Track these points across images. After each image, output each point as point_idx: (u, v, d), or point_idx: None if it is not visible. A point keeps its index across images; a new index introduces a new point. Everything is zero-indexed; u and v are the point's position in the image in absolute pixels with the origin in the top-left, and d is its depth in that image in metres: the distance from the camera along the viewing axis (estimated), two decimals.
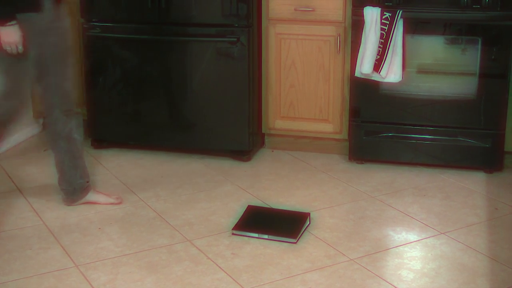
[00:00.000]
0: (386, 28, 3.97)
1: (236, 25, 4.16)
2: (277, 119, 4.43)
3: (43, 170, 4.25)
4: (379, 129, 4.22)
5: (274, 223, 3.53)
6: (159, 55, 4.30)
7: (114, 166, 4.32)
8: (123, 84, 4.41)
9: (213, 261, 3.17)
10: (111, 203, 3.75)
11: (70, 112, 3.61)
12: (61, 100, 3.58)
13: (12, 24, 3.28)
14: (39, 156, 4.51)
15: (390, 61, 4.01)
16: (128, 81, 4.39)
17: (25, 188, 3.99)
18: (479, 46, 4.02)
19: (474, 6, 3.94)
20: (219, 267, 3.12)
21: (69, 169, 3.66)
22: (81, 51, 4.50)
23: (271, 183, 4.07)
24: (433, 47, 4.17)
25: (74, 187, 3.70)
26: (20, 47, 3.34)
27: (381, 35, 3.99)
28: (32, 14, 3.33)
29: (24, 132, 4.80)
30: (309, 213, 3.55)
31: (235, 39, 4.14)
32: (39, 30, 3.37)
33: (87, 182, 3.74)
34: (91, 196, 3.74)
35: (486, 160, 4.14)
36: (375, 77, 4.07)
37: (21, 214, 3.67)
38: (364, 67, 4.03)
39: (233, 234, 3.41)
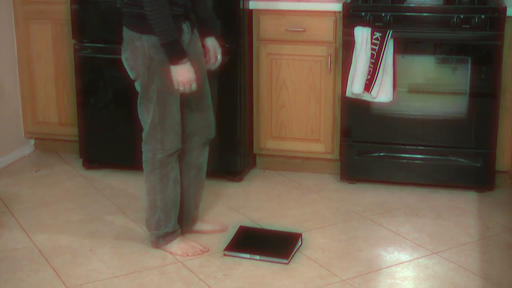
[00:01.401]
0: (377, 48, 3.99)
1: (227, 45, 4.16)
2: (268, 139, 4.43)
3: (34, 191, 4.24)
4: (370, 148, 4.23)
5: (266, 243, 3.52)
6: None
7: (105, 187, 4.31)
8: (114, 104, 4.41)
9: (204, 283, 3.16)
10: (217, 231, 3.65)
11: (208, 142, 3.53)
12: (202, 129, 3.48)
13: (184, 62, 3.17)
14: (30, 176, 4.50)
15: (380, 81, 4.02)
16: (119, 102, 4.39)
17: (16, 209, 3.97)
18: (469, 66, 4.04)
19: (463, 26, 3.96)
20: None
21: (190, 199, 3.55)
22: (73, 71, 4.50)
23: (262, 203, 4.07)
24: (424, 67, 4.19)
25: (191, 216, 3.60)
26: (194, 85, 3.22)
27: (372, 55, 4.00)
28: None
29: (15, 152, 4.79)
30: (301, 234, 3.55)
31: (226, 59, 4.14)
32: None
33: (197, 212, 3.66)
34: (199, 226, 3.65)
35: (477, 179, 4.15)
36: (366, 97, 4.08)
37: (12, 235, 3.65)
38: (355, 87, 4.04)
39: (225, 255, 3.40)
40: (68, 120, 4.70)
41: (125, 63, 3.34)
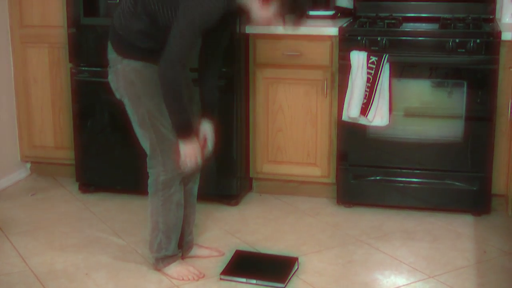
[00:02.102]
0: (373, 72, 4.01)
1: (224, 69, 4.17)
2: (264, 163, 4.43)
3: (30, 215, 4.23)
4: (366, 172, 4.23)
5: (262, 267, 3.51)
6: None
7: (102, 210, 4.30)
8: (110, 128, 4.42)
9: None
10: (214, 256, 3.65)
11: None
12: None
13: (192, 139, 3.24)
14: (26, 200, 4.49)
15: (377, 105, 4.03)
16: (115, 125, 4.39)
17: (12, 233, 3.96)
18: (465, 90, 4.05)
19: (459, 50, 3.98)
20: None
21: (187, 225, 3.55)
22: (70, 95, 4.51)
23: (259, 227, 4.06)
24: (420, 91, 4.20)
25: (186, 242, 3.59)
26: (200, 159, 3.30)
27: (368, 79, 4.02)
28: None
29: (11, 176, 4.78)
30: (297, 258, 3.54)
31: (223, 84, 4.15)
32: None
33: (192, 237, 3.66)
34: (194, 251, 3.65)
35: (473, 203, 4.15)
36: (362, 121, 4.09)
37: (7, 259, 3.63)
38: (351, 111, 4.05)
39: (221, 279, 3.39)
40: (65, 144, 4.70)
41: (110, 84, 3.38)
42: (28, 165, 4.96)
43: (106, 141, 4.45)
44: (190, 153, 3.23)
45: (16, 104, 4.77)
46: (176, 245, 3.44)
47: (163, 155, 3.29)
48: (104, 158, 4.46)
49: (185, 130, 3.20)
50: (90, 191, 4.56)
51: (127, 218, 4.15)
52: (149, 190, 3.39)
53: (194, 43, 3.13)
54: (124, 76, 3.25)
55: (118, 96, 3.36)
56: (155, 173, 3.33)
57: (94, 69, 4.36)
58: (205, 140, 3.44)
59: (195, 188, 3.56)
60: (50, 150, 4.78)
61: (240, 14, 3.27)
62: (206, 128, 3.44)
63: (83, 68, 4.39)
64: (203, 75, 3.44)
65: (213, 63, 3.43)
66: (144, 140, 3.33)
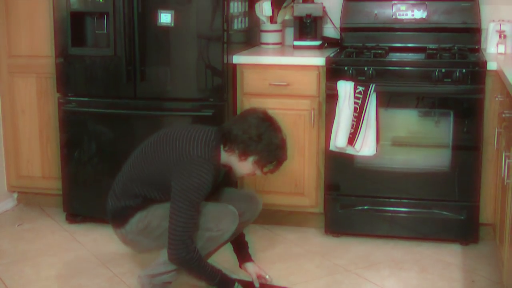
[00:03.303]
0: (360, 102, 4.02)
1: (212, 99, 4.19)
2: None
3: (16, 245, 4.20)
4: (354, 202, 4.23)
5: None
6: (134, 130, 4.32)
7: (89, 241, 4.28)
8: (98, 158, 4.41)
9: None
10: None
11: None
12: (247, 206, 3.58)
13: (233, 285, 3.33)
14: (13, 231, 4.46)
15: (364, 134, 4.05)
16: (103, 156, 4.39)
17: None
18: (452, 119, 4.07)
19: (445, 80, 4.01)
20: None
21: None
22: (57, 125, 4.50)
23: None
24: (406, 120, 4.22)
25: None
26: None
27: (355, 109, 4.03)
28: None
29: None
30: None
31: (211, 114, 4.17)
32: None
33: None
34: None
35: (461, 232, 4.15)
36: (350, 150, 4.09)
37: None
38: (339, 140, 4.06)
39: None
40: (52, 174, 4.68)
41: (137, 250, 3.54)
42: (15, 195, 4.94)
43: (94, 171, 4.44)
44: None
45: (3, 134, 4.76)
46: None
47: (218, 218, 3.31)
48: (91, 188, 4.45)
49: (224, 284, 3.28)
50: (77, 221, 4.54)
51: (114, 248, 4.12)
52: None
53: (196, 215, 3.19)
54: (138, 233, 3.36)
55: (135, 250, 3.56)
56: (205, 228, 3.34)
57: (81, 99, 4.36)
58: (261, 276, 3.59)
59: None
60: (37, 180, 4.76)
61: (228, 170, 3.39)
62: (253, 269, 3.60)
63: (71, 98, 4.39)
64: None
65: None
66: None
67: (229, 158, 3.26)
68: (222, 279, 3.26)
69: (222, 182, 3.50)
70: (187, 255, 3.13)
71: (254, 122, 3.23)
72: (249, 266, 3.61)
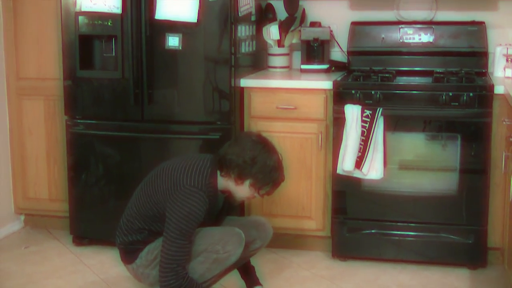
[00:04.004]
0: (367, 125, 4.02)
1: (219, 123, 4.20)
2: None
3: (23, 268, 4.20)
4: (362, 225, 4.22)
5: None
6: (141, 153, 4.32)
7: (96, 263, 4.27)
8: (105, 181, 4.41)
9: None
10: None
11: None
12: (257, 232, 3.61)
13: None
14: (19, 253, 4.46)
15: (371, 158, 4.04)
16: (110, 178, 4.39)
17: (4, 286, 3.92)
18: (459, 143, 4.07)
19: (452, 104, 4.01)
20: None
21: None
22: (65, 147, 4.51)
23: None
24: (414, 144, 4.21)
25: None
26: None
27: (362, 133, 4.03)
28: None
29: (5, 228, 4.76)
30: None
31: (218, 137, 4.17)
32: None
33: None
34: None
35: (469, 256, 4.13)
36: (357, 174, 4.09)
37: None
38: (346, 164, 4.06)
39: None
40: (59, 196, 4.68)
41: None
42: (22, 217, 4.94)
43: (101, 194, 4.44)
44: None
45: (11, 156, 4.77)
46: None
47: (224, 239, 3.32)
48: (98, 210, 4.45)
49: None
50: (84, 243, 4.54)
51: (120, 271, 4.11)
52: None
53: (187, 244, 3.21)
54: (140, 275, 3.43)
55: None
56: (213, 250, 3.35)
57: (89, 121, 4.38)
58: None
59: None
60: (44, 202, 4.76)
61: (227, 196, 3.41)
62: None
63: (79, 121, 4.40)
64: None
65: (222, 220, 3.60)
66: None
67: (226, 183, 3.30)
68: None
69: (224, 209, 3.50)
70: (176, 282, 3.15)
71: (248, 145, 3.26)
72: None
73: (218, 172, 3.29)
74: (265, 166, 3.24)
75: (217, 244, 3.25)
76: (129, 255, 3.41)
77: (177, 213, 3.16)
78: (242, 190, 3.30)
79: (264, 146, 3.29)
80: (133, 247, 3.38)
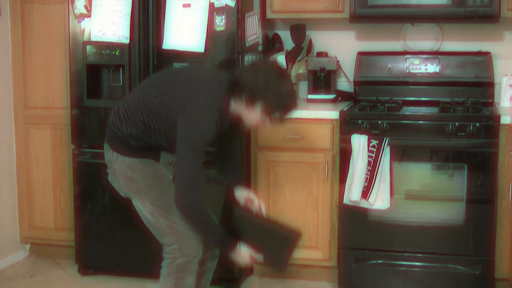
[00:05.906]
0: (374, 155, 4.02)
1: None
2: None
3: None
4: (368, 256, 4.20)
5: None
6: None
7: None
8: (111, 210, 4.40)
9: None
10: None
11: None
12: None
13: (239, 247, 3.22)
14: (24, 283, 4.45)
15: (378, 188, 4.03)
16: (116, 208, 4.37)
17: None
18: (466, 173, 4.06)
19: (459, 134, 4.01)
20: None
21: None
22: (71, 176, 4.52)
23: None
24: (420, 174, 4.20)
25: None
26: (256, 255, 3.28)
27: (369, 162, 4.03)
28: None
29: (10, 257, 4.75)
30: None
31: None
32: None
33: None
34: None
35: (477, 287, 4.10)
36: (364, 204, 4.08)
37: None
38: (352, 194, 4.05)
39: None
40: (65, 225, 4.68)
41: (112, 184, 3.42)
42: (28, 246, 4.93)
43: (107, 223, 4.43)
44: (243, 258, 3.23)
45: (17, 184, 4.78)
46: None
47: (179, 240, 3.27)
48: (104, 240, 4.44)
49: (225, 244, 3.23)
50: (90, 273, 4.52)
51: None
52: (162, 272, 3.36)
53: (200, 162, 3.15)
54: (122, 174, 3.31)
55: (122, 194, 3.40)
56: (172, 257, 3.31)
57: (96, 150, 4.37)
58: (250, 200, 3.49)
59: (214, 263, 3.54)
60: (50, 231, 4.75)
61: (237, 121, 3.32)
62: (244, 194, 3.50)
63: (85, 150, 4.41)
64: (226, 166, 3.55)
65: (231, 156, 3.56)
66: (157, 229, 3.32)
67: (237, 106, 3.21)
68: (227, 236, 3.20)
69: (227, 132, 3.40)
70: (192, 200, 3.10)
71: (262, 69, 3.20)
72: (237, 191, 3.53)
73: (231, 94, 3.21)
74: (278, 90, 3.14)
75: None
76: (115, 141, 3.33)
77: (190, 130, 3.09)
78: (252, 114, 3.19)
79: (278, 72, 3.21)
80: (122, 140, 3.29)
